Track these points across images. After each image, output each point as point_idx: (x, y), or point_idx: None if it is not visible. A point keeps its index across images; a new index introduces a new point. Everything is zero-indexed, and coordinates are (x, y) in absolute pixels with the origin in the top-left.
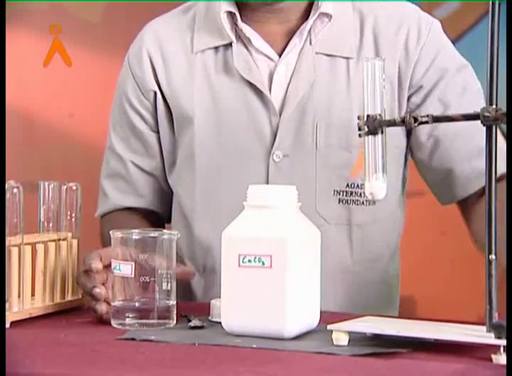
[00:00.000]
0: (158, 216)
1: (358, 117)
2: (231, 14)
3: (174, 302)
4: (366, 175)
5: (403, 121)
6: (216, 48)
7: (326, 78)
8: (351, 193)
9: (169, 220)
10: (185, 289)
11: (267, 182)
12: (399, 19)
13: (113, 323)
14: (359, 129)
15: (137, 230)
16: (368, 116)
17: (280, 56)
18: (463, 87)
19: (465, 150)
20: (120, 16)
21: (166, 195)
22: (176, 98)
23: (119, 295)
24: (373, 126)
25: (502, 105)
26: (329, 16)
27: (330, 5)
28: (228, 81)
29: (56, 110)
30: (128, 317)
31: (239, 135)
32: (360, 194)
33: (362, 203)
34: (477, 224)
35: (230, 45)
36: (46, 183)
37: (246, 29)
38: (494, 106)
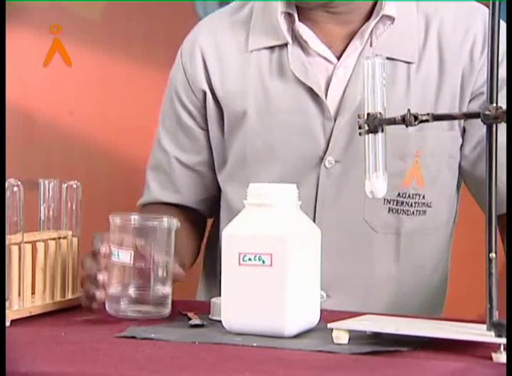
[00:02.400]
0: (198, 212)
1: (359, 116)
2: (288, 15)
3: (170, 290)
4: (367, 173)
5: (403, 120)
6: (271, 48)
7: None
8: (402, 202)
9: (211, 216)
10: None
11: (317, 188)
12: (466, 24)
13: (108, 308)
14: (359, 128)
15: (136, 217)
16: (368, 114)
17: (339, 58)
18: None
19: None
20: (120, 14)
21: (209, 191)
22: (229, 98)
23: (115, 281)
24: (373, 124)
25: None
26: (391, 18)
27: (394, 6)
28: (283, 83)
29: (56, 108)
30: (123, 303)
31: (291, 138)
32: (411, 204)
33: (413, 213)
34: None
35: (286, 45)
36: (46, 181)
37: (303, 30)
38: (494, 105)
